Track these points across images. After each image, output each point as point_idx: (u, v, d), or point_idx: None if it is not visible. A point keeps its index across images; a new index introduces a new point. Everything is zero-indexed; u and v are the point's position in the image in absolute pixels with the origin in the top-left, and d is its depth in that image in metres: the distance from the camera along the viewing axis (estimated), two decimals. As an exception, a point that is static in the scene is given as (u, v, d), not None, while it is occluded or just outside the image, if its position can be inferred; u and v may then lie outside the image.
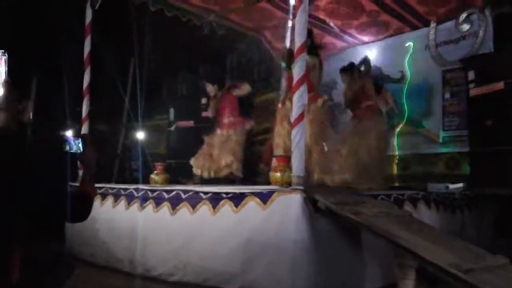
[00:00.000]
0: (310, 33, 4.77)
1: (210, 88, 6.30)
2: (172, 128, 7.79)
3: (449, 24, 6.61)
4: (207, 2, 6.73)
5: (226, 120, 6.04)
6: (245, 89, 6.22)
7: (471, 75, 5.31)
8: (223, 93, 6.21)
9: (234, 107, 6.10)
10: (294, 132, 3.68)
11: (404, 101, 7.03)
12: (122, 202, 4.75)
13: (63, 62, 6.68)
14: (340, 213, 3.31)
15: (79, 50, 6.01)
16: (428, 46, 6.83)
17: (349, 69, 5.88)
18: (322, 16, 6.80)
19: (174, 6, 6.68)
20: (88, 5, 5.90)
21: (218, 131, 6.04)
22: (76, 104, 5.96)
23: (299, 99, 3.71)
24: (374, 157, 5.27)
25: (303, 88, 3.74)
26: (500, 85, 4.92)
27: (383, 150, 5.59)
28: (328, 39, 7.47)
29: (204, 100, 7.34)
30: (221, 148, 5.85)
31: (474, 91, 5.26)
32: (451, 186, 5.16)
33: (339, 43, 7.72)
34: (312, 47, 4.94)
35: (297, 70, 3.76)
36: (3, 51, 2.07)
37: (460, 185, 5.21)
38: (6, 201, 1.70)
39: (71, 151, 2.00)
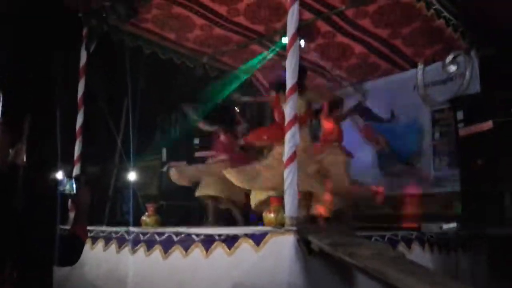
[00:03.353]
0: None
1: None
2: (165, 169, 7.75)
3: (436, 65, 6.77)
4: (200, 45, 6.88)
5: None
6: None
7: (459, 115, 5.40)
8: None
9: None
10: (286, 172, 3.68)
11: (395, 141, 7.09)
12: (113, 246, 4.66)
13: (57, 103, 6.71)
14: (334, 255, 3.27)
15: (73, 91, 6.06)
16: (417, 86, 6.97)
17: None
18: (313, 58, 6.96)
19: (168, 49, 6.83)
20: (83, 47, 5.99)
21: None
22: (68, 145, 5.95)
23: (290, 139, 3.74)
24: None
25: (295, 128, 3.77)
26: (489, 124, 5.00)
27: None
28: (319, 80, 7.62)
29: (196, 140, 7.37)
30: None
31: (463, 131, 5.33)
32: (445, 226, 5.14)
33: (329, 84, 7.85)
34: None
35: (288, 110, 3.80)
36: (-3, 92, 2.09)
37: (454, 225, 5.19)
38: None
39: (64, 192, 1.98)
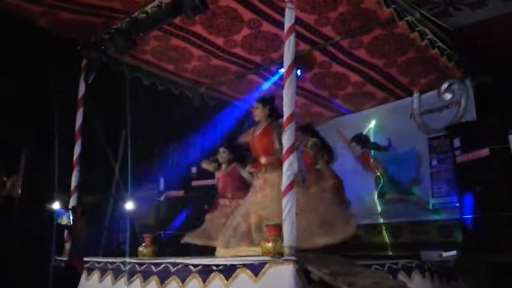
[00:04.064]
0: (272, 101, 4.98)
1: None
2: (162, 198, 7.71)
3: (432, 93, 6.87)
4: (198, 75, 6.96)
5: None
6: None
7: (456, 142, 5.43)
8: None
9: None
10: (285, 200, 3.66)
11: (393, 169, 7.11)
12: (109, 277, 4.58)
13: (54, 134, 6.73)
14: (334, 285, 3.23)
15: (70, 121, 6.08)
16: (413, 114, 7.03)
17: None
18: (309, 87, 7.04)
19: (166, 79, 6.91)
20: (82, 78, 6.05)
21: None
22: (65, 175, 5.93)
23: (288, 168, 3.74)
24: None
25: (293, 157, 3.78)
26: (485, 151, 5.03)
27: None
28: (316, 108, 7.69)
29: (194, 169, 7.35)
30: None
31: (460, 158, 5.35)
32: (445, 254, 5.10)
33: (327, 113, 7.93)
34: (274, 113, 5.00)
35: (286, 140, 3.82)
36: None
37: (454, 252, 5.15)
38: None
39: (61, 223, 1.97)
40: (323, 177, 5.80)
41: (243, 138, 5.26)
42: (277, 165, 4.61)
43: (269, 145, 4.83)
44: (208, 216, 5.87)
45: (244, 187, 5.65)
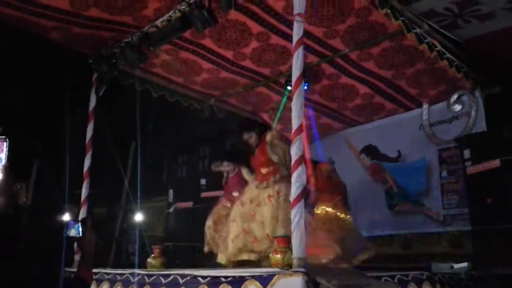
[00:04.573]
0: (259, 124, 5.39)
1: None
2: (171, 209, 7.74)
3: (442, 105, 6.84)
4: (207, 88, 7.01)
5: None
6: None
7: (466, 153, 5.39)
8: None
9: None
10: (293, 211, 3.65)
11: (403, 180, 7.07)
12: (118, 288, 4.60)
13: (64, 145, 6.80)
14: (343, 297, 3.21)
15: (80, 134, 6.15)
16: (422, 126, 7.01)
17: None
18: (317, 99, 7.05)
19: (175, 92, 6.96)
20: (93, 91, 6.12)
21: None
22: (75, 187, 5.98)
23: (297, 179, 3.74)
24: None
25: (301, 168, 3.78)
26: (496, 162, 4.98)
27: None
28: (324, 119, 7.70)
29: (203, 181, 7.37)
30: None
31: (471, 169, 5.30)
32: (456, 266, 5.04)
33: (336, 124, 7.93)
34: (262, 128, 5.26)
35: (295, 151, 3.82)
36: (4, 137, 2.14)
37: (465, 264, 5.09)
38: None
39: (70, 235, 1.99)
40: None
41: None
42: (279, 178, 4.86)
43: (267, 157, 4.98)
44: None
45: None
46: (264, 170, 5.01)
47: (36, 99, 7.22)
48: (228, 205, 5.81)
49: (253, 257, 4.82)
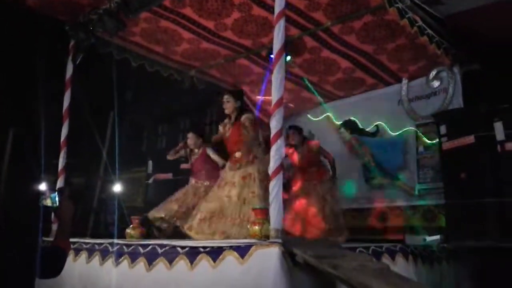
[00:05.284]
0: (241, 94, 5.19)
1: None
2: (150, 180, 7.73)
3: (420, 80, 6.90)
4: (188, 58, 6.92)
5: None
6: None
7: (442, 129, 5.48)
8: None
9: None
10: (272, 184, 3.69)
11: (381, 154, 7.18)
12: (96, 258, 4.61)
13: (41, 114, 6.68)
14: (319, 267, 3.28)
15: (57, 102, 6.03)
16: (401, 101, 7.08)
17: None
18: (298, 72, 7.04)
19: (155, 61, 6.85)
20: (69, 59, 5.98)
21: None
22: (53, 157, 5.91)
23: (276, 152, 3.76)
24: None
25: (280, 141, 3.80)
26: (471, 138, 5.08)
27: None
28: (305, 93, 7.70)
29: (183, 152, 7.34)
30: None
31: (446, 145, 5.41)
32: (428, 238, 5.19)
33: (316, 98, 7.94)
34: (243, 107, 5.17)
35: (274, 124, 3.83)
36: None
37: (437, 237, 5.24)
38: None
39: (47, 205, 1.98)
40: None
41: (217, 137, 5.35)
42: (252, 159, 4.85)
43: (242, 139, 4.93)
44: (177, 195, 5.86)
45: (216, 168, 5.75)
46: (237, 152, 4.99)
47: (10, 67, 7.02)
48: (199, 184, 5.83)
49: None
